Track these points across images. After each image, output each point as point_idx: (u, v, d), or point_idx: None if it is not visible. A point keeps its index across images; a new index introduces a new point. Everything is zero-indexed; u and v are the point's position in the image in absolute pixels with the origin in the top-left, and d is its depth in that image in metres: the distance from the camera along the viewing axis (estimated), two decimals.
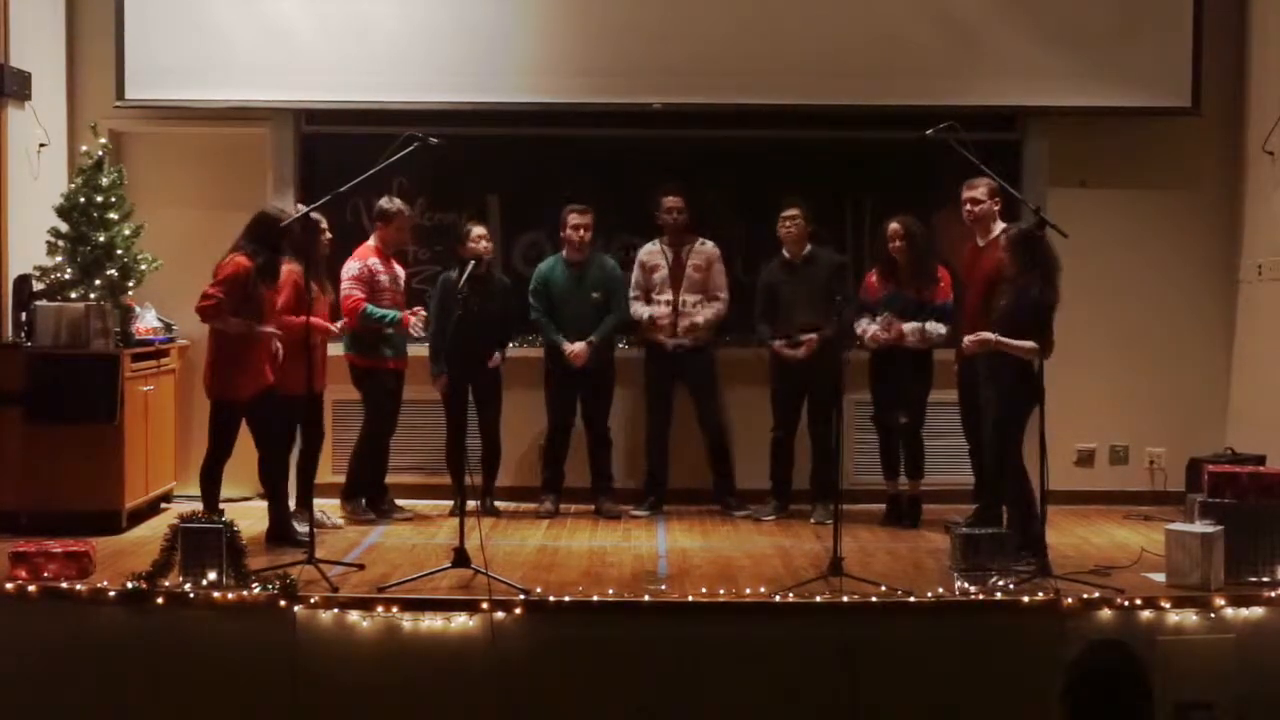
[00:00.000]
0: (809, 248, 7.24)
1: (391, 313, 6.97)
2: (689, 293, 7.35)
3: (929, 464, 7.15)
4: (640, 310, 7.38)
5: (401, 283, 7.21)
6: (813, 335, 7.04)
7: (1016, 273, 6.03)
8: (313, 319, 6.21)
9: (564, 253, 7.40)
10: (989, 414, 6.14)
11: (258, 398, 6.18)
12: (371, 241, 7.13)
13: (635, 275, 7.45)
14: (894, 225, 6.94)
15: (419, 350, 7.32)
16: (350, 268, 6.99)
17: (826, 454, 7.13)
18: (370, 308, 6.91)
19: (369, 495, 7.16)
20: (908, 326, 6.85)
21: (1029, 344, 5.88)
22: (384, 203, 7.07)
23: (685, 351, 7.33)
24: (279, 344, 6.29)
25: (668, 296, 7.34)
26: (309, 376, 6.16)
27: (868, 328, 6.98)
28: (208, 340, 6.28)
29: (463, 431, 7.15)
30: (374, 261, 7.04)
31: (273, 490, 6.40)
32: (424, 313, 7.06)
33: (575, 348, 7.24)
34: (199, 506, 5.98)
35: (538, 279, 7.40)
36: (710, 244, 7.44)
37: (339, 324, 6.81)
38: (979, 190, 6.63)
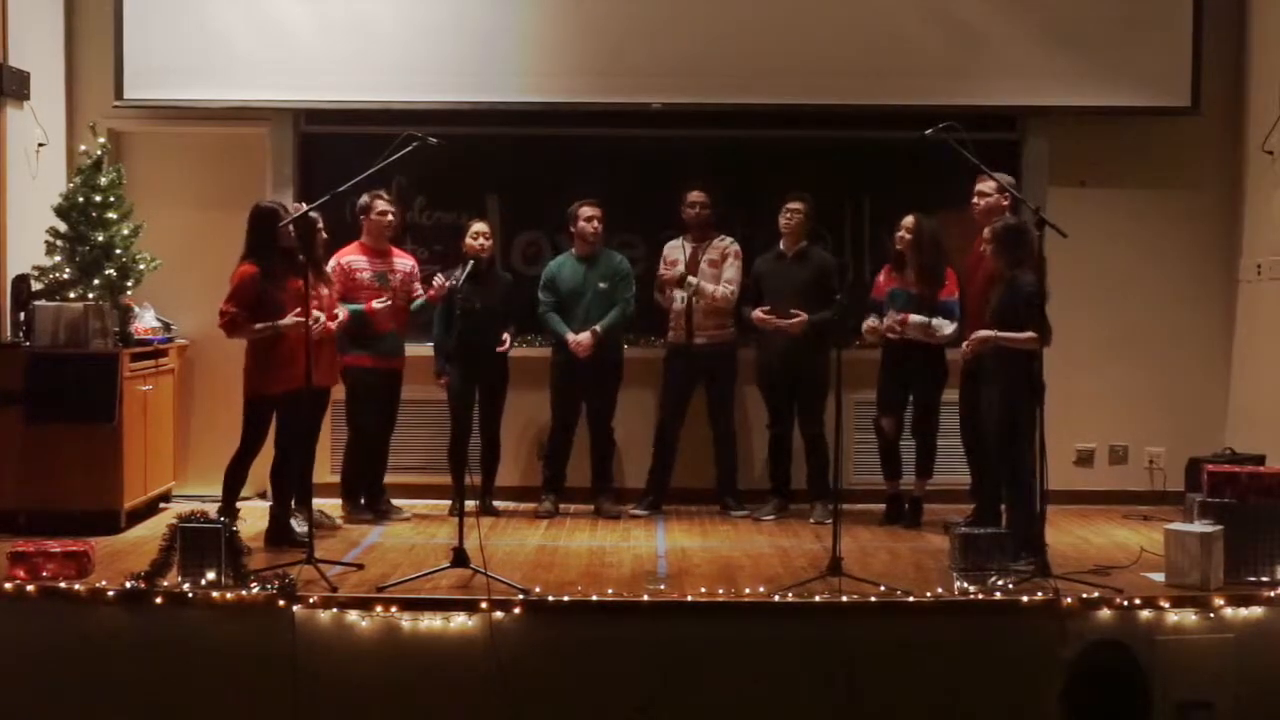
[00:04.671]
0: (804, 243, 7.24)
1: (353, 306, 6.88)
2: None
3: None
4: (658, 296, 7.41)
5: (397, 276, 7.12)
6: (801, 316, 7.03)
7: (1004, 267, 6.06)
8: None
9: (573, 249, 7.41)
10: (994, 414, 6.12)
11: (291, 394, 6.18)
12: (362, 238, 7.13)
13: (660, 269, 7.45)
14: (906, 219, 6.94)
15: (410, 350, 7.31)
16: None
17: (820, 454, 7.14)
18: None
19: (363, 494, 7.15)
20: (913, 318, 6.84)
21: (1027, 335, 5.89)
22: (362, 198, 6.97)
23: (702, 350, 7.32)
24: (322, 319, 6.22)
25: (681, 292, 7.34)
26: (308, 374, 6.14)
27: (874, 325, 6.98)
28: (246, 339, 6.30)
29: (467, 431, 7.15)
30: (353, 259, 7.02)
31: (279, 489, 6.41)
32: (382, 300, 6.95)
33: (580, 337, 7.23)
34: (198, 506, 5.96)
35: (547, 274, 7.41)
36: (730, 240, 7.43)
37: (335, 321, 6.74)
38: (989, 184, 6.62)
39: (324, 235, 6.69)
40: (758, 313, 7.13)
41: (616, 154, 7.79)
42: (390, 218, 7.13)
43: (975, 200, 6.72)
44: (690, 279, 7.28)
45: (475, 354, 6.95)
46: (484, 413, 7.32)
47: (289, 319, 6.14)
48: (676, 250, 7.43)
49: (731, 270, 7.36)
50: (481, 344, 7.02)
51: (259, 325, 6.15)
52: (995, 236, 6.11)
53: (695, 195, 7.35)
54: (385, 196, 7.07)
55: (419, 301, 7.17)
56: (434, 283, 7.04)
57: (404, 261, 7.24)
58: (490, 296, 7.13)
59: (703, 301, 7.29)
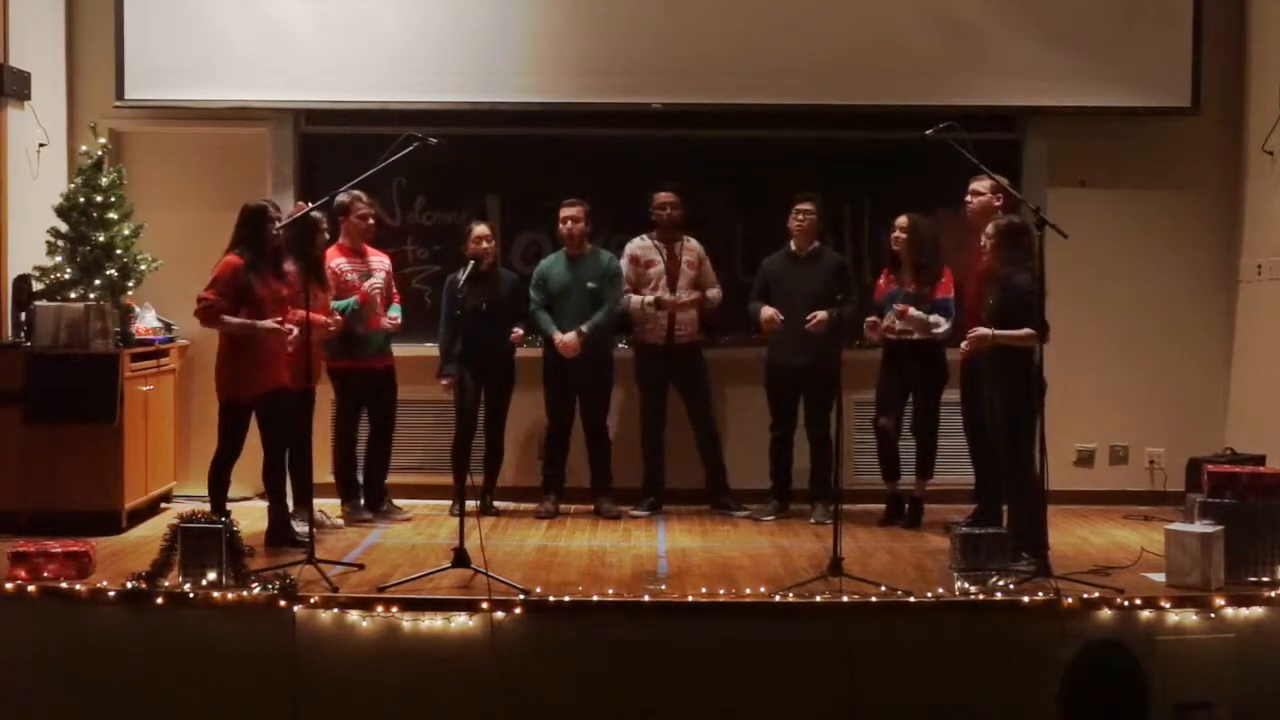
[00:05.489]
0: (816, 244, 7.24)
1: (345, 302, 6.88)
2: (685, 288, 7.35)
3: None
4: (635, 300, 7.36)
5: (379, 274, 7.11)
6: (822, 314, 7.00)
7: (999, 265, 6.06)
8: (312, 315, 6.18)
9: (565, 248, 7.41)
10: (994, 413, 6.12)
11: (267, 396, 6.17)
12: (340, 239, 7.12)
13: (626, 269, 7.43)
14: (899, 219, 6.95)
15: (411, 350, 7.32)
16: None
17: (824, 454, 7.14)
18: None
19: (355, 495, 7.13)
20: (913, 311, 6.81)
21: (1025, 332, 5.88)
22: (340, 196, 6.86)
23: (678, 351, 7.33)
24: (294, 330, 6.19)
25: (664, 293, 7.33)
26: (307, 374, 6.15)
27: (876, 320, 6.94)
28: (218, 340, 6.28)
29: (471, 431, 7.14)
30: (337, 261, 6.99)
31: (274, 490, 6.40)
32: (372, 284, 6.96)
33: (566, 338, 7.23)
34: (199, 506, 5.98)
35: (538, 273, 7.41)
36: (695, 240, 7.46)
37: (334, 320, 6.75)
38: (982, 183, 6.64)
39: (326, 236, 6.71)
40: (768, 313, 7.09)
41: (616, 154, 7.78)
42: (370, 220, 7.13)
43: (969, 199, 6.73)
44: (710, 298, 7.39)
45: (479, 354, 6.96)
46: (489, 413, 7.32)
47: (268, 322, 6.13)
48: (651, 251, 7.41)
49: (712, 272, 7.46)
50: (485, 344, 7.02)
51: (236, 320, 6.12)
52: (999, 231, 6.11)
53: (666, 196, 7.34)
54: (364, 198, 7.05)
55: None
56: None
57: (380, 260, 7.24)
58: (494, 295, 7.13)
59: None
